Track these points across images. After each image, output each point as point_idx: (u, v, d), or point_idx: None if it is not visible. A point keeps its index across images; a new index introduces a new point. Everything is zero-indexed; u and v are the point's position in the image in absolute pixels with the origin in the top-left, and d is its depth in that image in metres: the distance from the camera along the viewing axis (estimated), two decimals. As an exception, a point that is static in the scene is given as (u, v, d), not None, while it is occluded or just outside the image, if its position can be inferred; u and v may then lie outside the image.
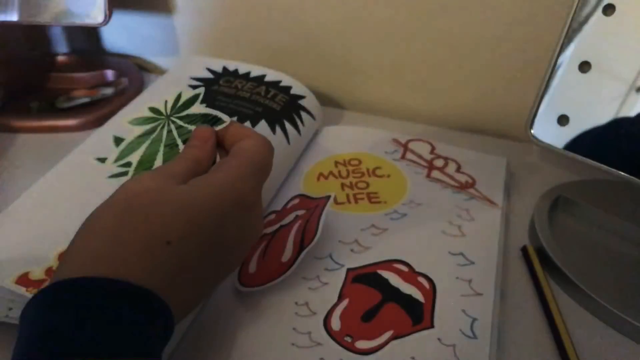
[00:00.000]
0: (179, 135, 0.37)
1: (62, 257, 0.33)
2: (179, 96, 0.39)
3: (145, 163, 0.36)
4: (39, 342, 0.21)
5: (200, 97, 0.39)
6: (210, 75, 0.51)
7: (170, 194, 0.26)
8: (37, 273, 0.32)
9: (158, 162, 0.36)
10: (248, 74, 0.52)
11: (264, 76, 0.52)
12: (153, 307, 0.24)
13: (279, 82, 0.52)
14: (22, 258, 0.32)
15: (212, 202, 0.27)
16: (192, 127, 0.36)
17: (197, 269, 0.26)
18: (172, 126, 0.37)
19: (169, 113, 0.38)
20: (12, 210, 0.36)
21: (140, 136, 0.38)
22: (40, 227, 0.35)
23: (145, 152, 0.37)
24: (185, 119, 0.37)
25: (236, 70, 0.53)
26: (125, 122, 0.39)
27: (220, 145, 0.33)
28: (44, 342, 0.21)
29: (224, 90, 0.49)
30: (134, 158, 0.37)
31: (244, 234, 0.29)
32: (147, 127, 0.38)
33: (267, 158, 0.31)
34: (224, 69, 0.53)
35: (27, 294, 0.30)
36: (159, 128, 0.38)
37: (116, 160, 0.39)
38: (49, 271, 0.32)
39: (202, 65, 0.52)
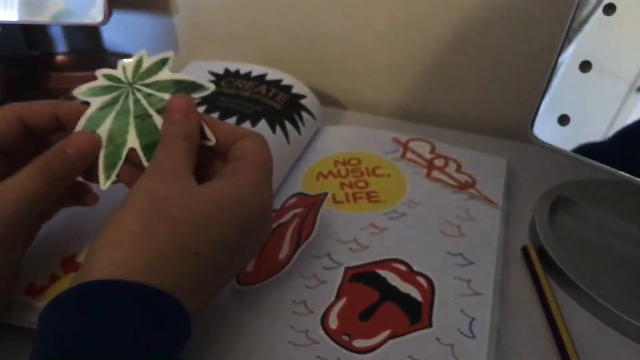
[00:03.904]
0: (150, 105, 0.31)
1: (66, 263, 0.33)
2: (139, 61, 0.32)
3: (117, 138, 0.31)
4: (66, 341, 0.21)
5: (169, 63, 0.32)
6: (211, 78, 0.51)
7: (196, 200, 0.26)
8: (41, 281, 0.32)
9: (132, 136, 0.31)
10: (249, 73, 0.52)
11: (264, 75, 0.52)
12: (180, 316, 0.24)
13: (280, 81, 0.52)
14: (27, 268, 0.32)
15: (240, 215, 0.27)
16: (164, 95, 0.31)
17: (218, 275, 0.27)
18: (139, 95, 0.32)
19: (130, 80, 0.32)
20: None
21: (101, 108, 0.31)
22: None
23: (113, 127, 0.31)
24: (154, 86, 0.32)
25: (237, 71, 0.53)
26: (79, 96, 0.32)
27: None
28: (72, 341, 0.21)
29: (224, 90, 0.49)
30: (101, 134, 0.31)
31: (261, 238, 0.30)
32: (107, 97, 0.32)
33: (271, 157, 0.30)
34: (226, 70, 0.53)
35: (38, 303, 0.30)
36: (122, 98, 0.32)
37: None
38: (52, 277, 0.32)
39: (204, 69, 0.53)
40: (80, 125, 0.31)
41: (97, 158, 0.30)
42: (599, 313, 0.35)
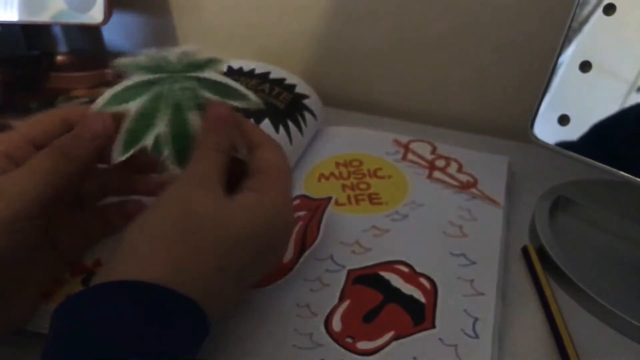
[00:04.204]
0: (188, 98, 0.31)
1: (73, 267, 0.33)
2: (187, 53, 0.32)
3: (146, 119, 0.30)
4: (81, 339, 0.22)
5: (218, 66, 0.32)
6: None
7: (225, 216, 0.26)
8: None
9: (162, 122, 0.30)
10: (252, 71, 0.52)
11: (268, 73, 0.52)
12: (201, 324, 0.24)
13: (284, 79, 0.51)
14: None
15: (266, 235, 0.27)
16: (205, 93, 0.31)
17: (239, 289, 0.28)
18: (180, 85, 0.31)
19: (175, 68, 0.31)
20: None
21: (139, 85, 0.31)
22: None
23: (145, 106, 0.30)
24: (197, 81, 0.31)
25: (241, 69, 0.52)
26: (119, 65, 0.32)
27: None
28: (87, 339, 0.22)
29: None
30: (131, 108, 0.30)
31: (281, 253, 0.31)
32: (149, 76, 0.31)
33: (290, 168, 0.31)
34: (229, 68, 0.52)
35: (45, 307, 0.31)
36: (162, 82, 0.31)
37: (107, 104, 0.31)
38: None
39: None
40: (104, 99, 0.30)
41: (114, 135, 0.30)
42: (599, 313, 0.35)
